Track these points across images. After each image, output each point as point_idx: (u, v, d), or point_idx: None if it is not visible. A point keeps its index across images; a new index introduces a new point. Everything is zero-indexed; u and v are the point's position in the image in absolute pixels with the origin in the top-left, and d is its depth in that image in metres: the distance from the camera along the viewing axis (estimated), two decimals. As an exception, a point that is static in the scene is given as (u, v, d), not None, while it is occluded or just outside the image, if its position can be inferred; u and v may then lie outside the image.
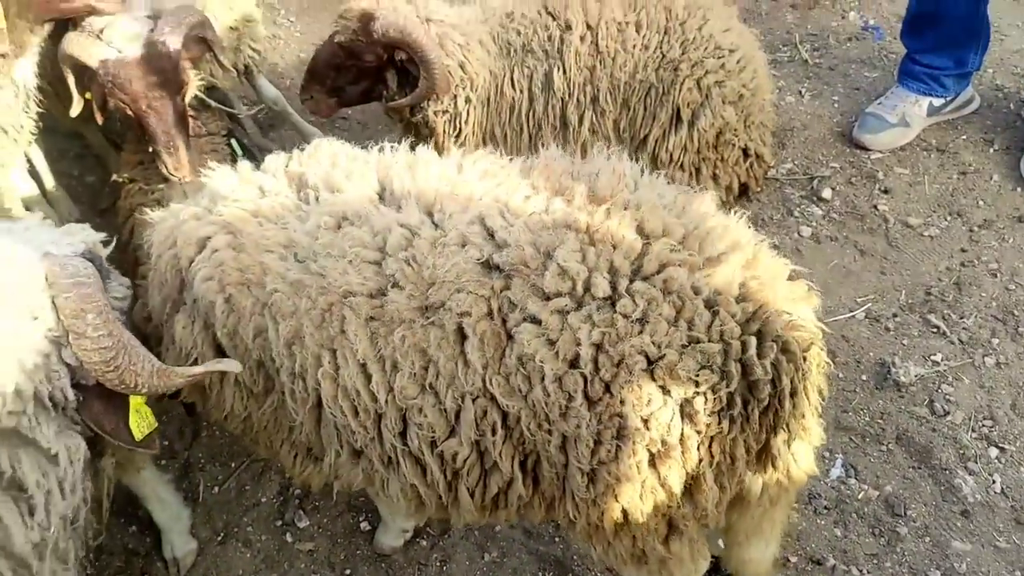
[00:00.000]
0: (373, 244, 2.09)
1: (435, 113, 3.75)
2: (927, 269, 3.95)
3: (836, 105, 4.85)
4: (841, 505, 3.15)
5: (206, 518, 3.28)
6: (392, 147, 2.39)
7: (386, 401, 2.07)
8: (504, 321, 1.97)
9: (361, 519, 3.26)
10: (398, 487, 2.23)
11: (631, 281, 1.91)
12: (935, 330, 3.69)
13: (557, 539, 3.13)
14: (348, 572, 3.10)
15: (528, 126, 3.85)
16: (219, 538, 3.23)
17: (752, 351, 1.90)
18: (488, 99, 3.82)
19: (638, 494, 2.03)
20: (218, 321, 2.23)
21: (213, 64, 3.55)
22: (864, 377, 3.55)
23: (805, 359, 1.98)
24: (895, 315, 3.77)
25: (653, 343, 1.88)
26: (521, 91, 3.83)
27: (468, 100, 3.74)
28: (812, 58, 5.18)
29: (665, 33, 3.73)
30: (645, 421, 1.92)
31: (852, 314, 3.78)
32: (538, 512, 2.22)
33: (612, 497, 2.05)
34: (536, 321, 1.92)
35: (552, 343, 1.91)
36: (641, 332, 1.88)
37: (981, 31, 4.43)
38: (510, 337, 1.96)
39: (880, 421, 3.39)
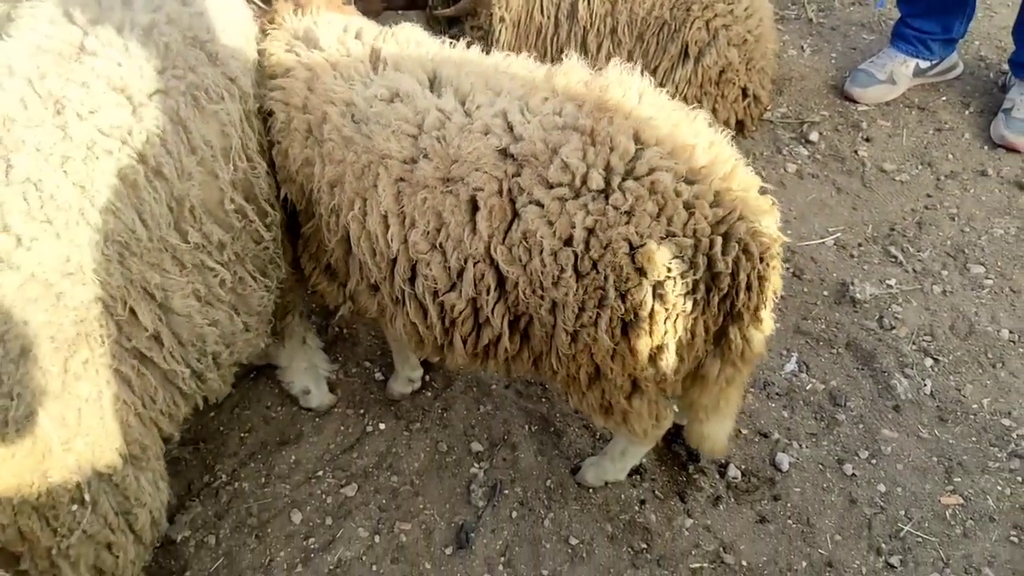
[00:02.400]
0: (414, 121, 2.28)
1: (471, 28, 3.88)
2: (894, 208, 4.08)
3: (833, 61, 4.93)
4: (791, 393, 3.37)
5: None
6: (452, 43, 2.58)
7: (398, 250, 2.31)
8: (512, 201, 2.15)
9: (376, 370, 3.53)
10: (402, 323, 2.49)
11: (623, 179, 2.07)
12: (893, 260, 3.85)
13: (544, 399, 3.38)
14: (363, 411, 3.37)
15: (551, 50, 3.98)
16: (252, 375, 3.50)
17: (718, 248, 2.09)
18: (519, 21, 3.94)
19: (610, 355, 2.25)
20: (274, 133, 2.52)
21: None
22: (825, 293, 3.73)
23: (762, 259, 2.15)
24: (860, 245, 3.94)
25: (636, 232, 2.06)
26: (548, 17, 3.95)
27: (502, 20, 3.86)
28: (817, 18, 5.22)
29: (682, -24, 3.87)
30: (622, 295, 2.12)
31: (822, 240, 3.95)
32: (525, 364, 2.45)
33: (588, 355, 2.27)
34: (540, 204, 2.11)
35: (551, 224, 2.09)
36: (628, 223, 2.06)
37: (968, 1, 4.48)
38: (516, 215, 2.15)
39: (834, 329, 3.59)
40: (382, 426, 3.33)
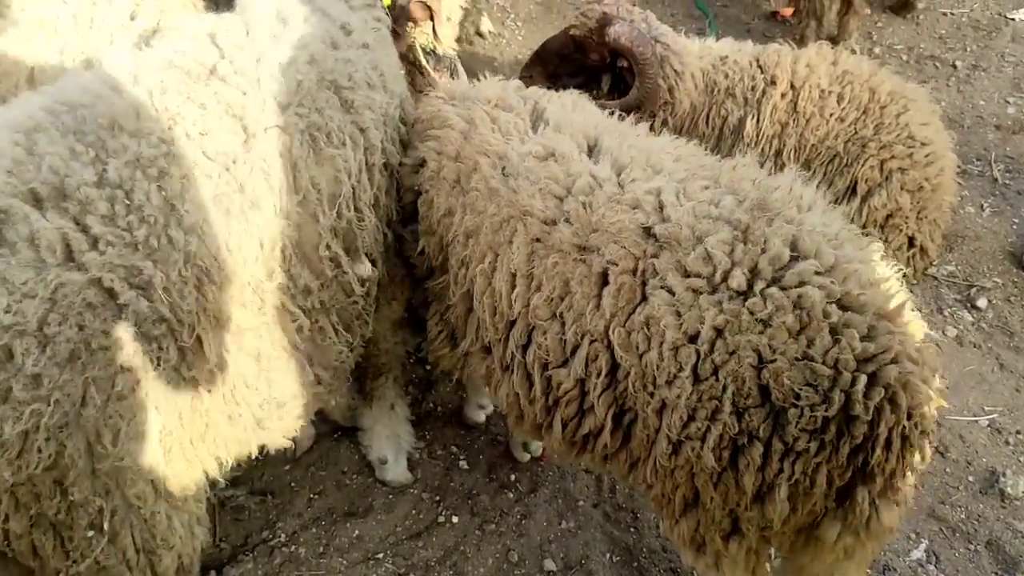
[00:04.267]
0: (564, 182, 2.27)
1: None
2: (1063, 401, 3.74)
3: (1014, 227, 4.61)
4: (913, 586, 3.03)
5: (326, 418, 3.48)
6: (621, 115, 2.62)
7: (519, 313, 2.27)
8: (644, 283, 2.07)
9: (461, 457, 3.42)
10: (506, 392, 2.42)
11: (768, 285, 1.95)
12: (1054, 459, 3.50)
13: (632, 529, 3.16)
14: (438, 499, 3.26)
15: (709, 164, 3.93)
16: (335, 435, 3.45)
17: (859, 387, 1.89)
18: (681, 128, 3.91)
19: (713, 480, 2.07)
20: (422, 182, 2.55)
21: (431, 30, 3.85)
22: (971, 479, 3.38)
23: (911, 417, 1.94)
24: (1018, 432, 3.56)
25: (769, 346, 1.92)
26: (713, 129, 3.90)
27: (665, 123, 3.84)
28: (1003, 178, 4.94)
29: (864, 112, 3.74)
30: (739, 412, 1.96)
31: (976, 419, 3.61)
32: (622, 467, 2.30)
33: (688, 473, 2.10)
34: (671, 292, 2.01)
35: (679, 315, 1.99)
36: (762, 332, 1.92)
37: None
38: (644, 299, 2.06)
39: (975, 522, 3.23)
40: (455, 519, 3.20)
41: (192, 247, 2.02)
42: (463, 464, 3.40)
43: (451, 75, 4.39)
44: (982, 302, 4.16)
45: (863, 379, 1.91)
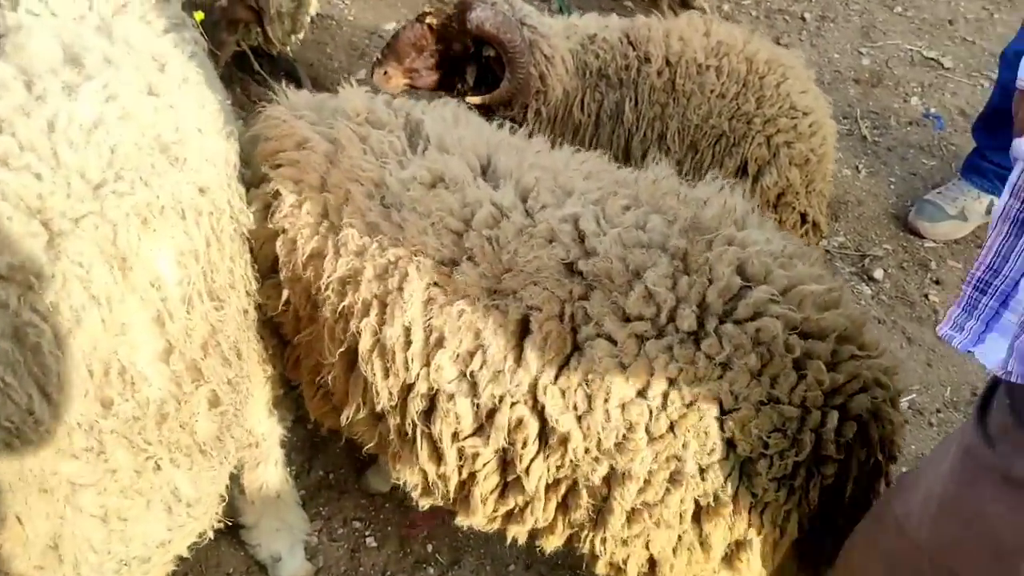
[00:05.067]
0: (461, 214, 1.91)
1: (503, 119, 3.56)
2: (974, 368, 3.68)
3: (892, 186, 4.63)
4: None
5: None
6: (512, 126, 2.28)
7: (418, 375, 1.88)
8: (575, 331, 1.76)
9: (367, 532, 2.97)
10: (408, 466, 2.05)
11: (721, 322, 1.71)
12: (977, 432, 3.45)
13: (575, 593, 2.86)
14: (347, 585, 2.83)
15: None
16: (213, 531, 2.93)
17: (830, 426, 1.71)
18: (556, 117, 3.61)
19: (673, 546, 1.83)
20: (278, 220, 2.07)
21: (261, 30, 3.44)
22: (903, 469, 3.29)
23: (883, 448, 1.79)
24: (939, 411, 3.53)
25: (731, 392, 1.68)
26: (589, 115, 3.63)
27: (538, 113, 3.53)
28: (872, 135, 4.95)
29: (744, 85, 3.54)
30: (703, 471, 1.72)
31: (895, 402, 3.55)
32: (558, 538, 2.00)
33: (645, 542, 1.84)
34: (611, 340, 1.72)
35: (623, 366, 1.70)
36: (721, 378, 1.68)
37: (1055, 138, 4.24)
38: (577, 349, 1.76)
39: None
40: (370, 612, 2.77)
41: None
42: (370, 541, 2.94)
43: (295, 82, 3.96)
44: (878, 272, 4.11)
45: (834, 415, 1.71)
